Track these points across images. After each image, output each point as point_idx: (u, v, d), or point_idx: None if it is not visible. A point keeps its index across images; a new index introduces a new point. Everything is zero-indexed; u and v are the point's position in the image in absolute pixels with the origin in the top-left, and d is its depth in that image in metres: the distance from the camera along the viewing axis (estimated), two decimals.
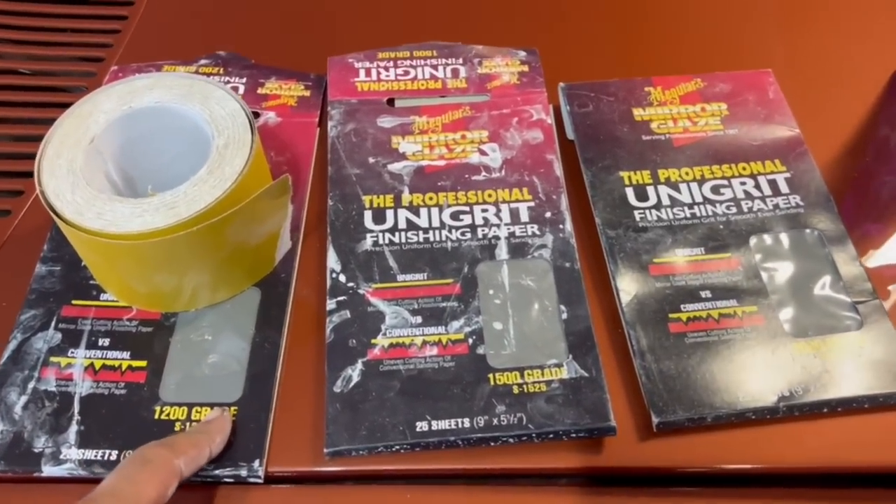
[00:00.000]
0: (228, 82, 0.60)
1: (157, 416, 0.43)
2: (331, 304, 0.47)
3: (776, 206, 0.52)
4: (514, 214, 0.51)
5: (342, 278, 0.48)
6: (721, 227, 0.51)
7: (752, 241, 0.50)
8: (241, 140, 0.46)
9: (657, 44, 0.65)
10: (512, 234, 0.50)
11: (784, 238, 0.50)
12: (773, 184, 0.53)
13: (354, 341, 0.45)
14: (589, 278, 0.49)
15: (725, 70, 0.60)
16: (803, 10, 0.68)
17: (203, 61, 0.62)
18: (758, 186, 0.53)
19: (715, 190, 0.53)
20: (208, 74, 0.61)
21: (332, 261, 0.49)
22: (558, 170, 0.54)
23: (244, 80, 0.61)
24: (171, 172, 0.47)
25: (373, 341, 0.45)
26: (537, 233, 0.50)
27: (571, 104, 0.58)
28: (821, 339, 0.45)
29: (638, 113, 0.57)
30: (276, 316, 0.47)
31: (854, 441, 0.43)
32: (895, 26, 0.66)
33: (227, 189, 0.43)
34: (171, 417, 0.43)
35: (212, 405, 0.44)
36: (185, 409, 0.43)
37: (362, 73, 0.61)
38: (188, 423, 0.43)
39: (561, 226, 0.51)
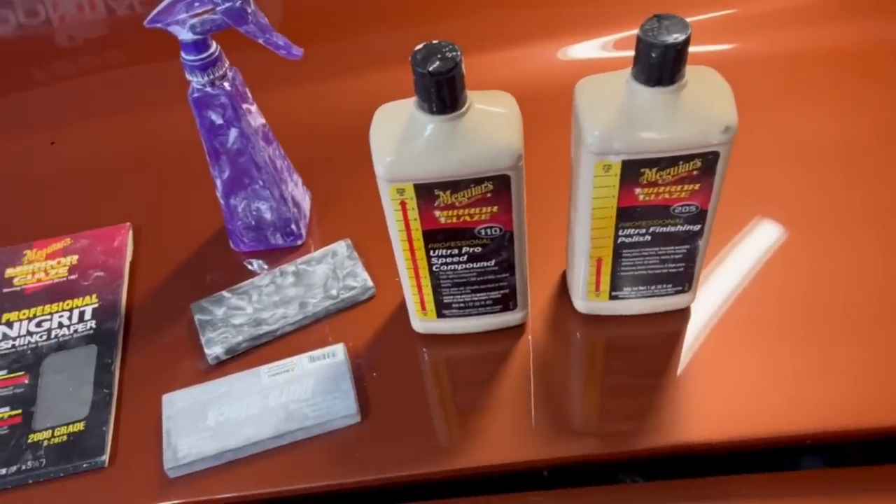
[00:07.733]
0: None
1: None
2: None
3: (76, 331, 0.73)
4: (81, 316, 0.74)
5: None
6: (29, 351, 0.72)
7: (47, 359, 0.71)
8: None
9: (36, 212, 0.87)
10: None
11: (73, 354, 0.71)
12: (81, 314, 0.74)
13: None
14: None
15: (95, 228, 0.82)
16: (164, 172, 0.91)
17: None
18: (71, 317, 0.74)
19: (38, 324, 0.74)
20: None
21: None
22: None
23: None
24: None
25: None
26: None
27: None
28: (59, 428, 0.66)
29: (9, 272, 0.79)
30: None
31: None
32: None
33: None
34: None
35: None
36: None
37: None
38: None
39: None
